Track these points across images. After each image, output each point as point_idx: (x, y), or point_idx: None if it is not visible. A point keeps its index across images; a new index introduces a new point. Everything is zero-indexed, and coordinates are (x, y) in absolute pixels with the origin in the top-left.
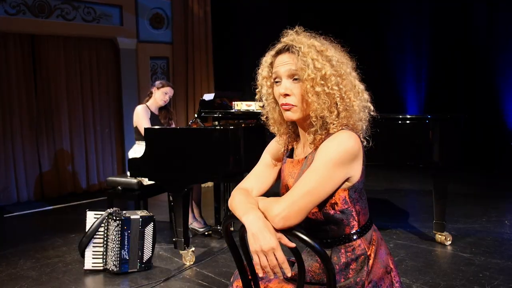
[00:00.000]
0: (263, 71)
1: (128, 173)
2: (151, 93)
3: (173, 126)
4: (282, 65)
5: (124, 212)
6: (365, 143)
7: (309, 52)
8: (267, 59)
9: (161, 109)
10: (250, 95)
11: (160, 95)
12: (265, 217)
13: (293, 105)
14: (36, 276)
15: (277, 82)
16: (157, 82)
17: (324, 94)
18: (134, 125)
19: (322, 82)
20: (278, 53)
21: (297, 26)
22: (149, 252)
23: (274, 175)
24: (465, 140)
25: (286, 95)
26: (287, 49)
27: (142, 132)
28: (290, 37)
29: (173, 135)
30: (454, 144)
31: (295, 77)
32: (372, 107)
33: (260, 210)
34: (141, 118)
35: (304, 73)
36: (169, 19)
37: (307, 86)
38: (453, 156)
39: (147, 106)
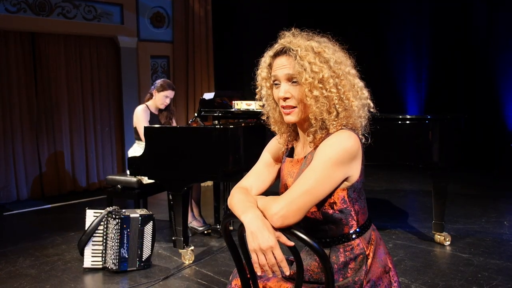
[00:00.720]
0: (262, 72)
1: (128, 172)
2: (152, 95)
3: (174, 124)
4: (280, 69)
5: (123, 210)
6: (363, 140)
7: (306, 55)
8: (265, 59)
9: (162, 109)
10: (250, 95)
11: (160, 99)
12: (264, 215)
13: (293, 107)
14: (36, 274)
15: (276, 84)
16: (158, 84)
17: (323, 97)
18: (134, 126)
19: (320, 85)
20: (276, 55)
21: (293, 28)
22: (149, 251)
23: (274, 174)
24: (465, 140)
25: (286, 98)
26: (284, 51)
27: (141, 134)
28: (287, 39)
29: (173, 134)
30: (454, 144)
31: (294, 80)
32: (371, 104)
33: (259, 209)
34: (140, 119)
35: (302, 77)
36: (169, 18)
37: (305, 90)
38: (453, 157)
39: (147, 107)
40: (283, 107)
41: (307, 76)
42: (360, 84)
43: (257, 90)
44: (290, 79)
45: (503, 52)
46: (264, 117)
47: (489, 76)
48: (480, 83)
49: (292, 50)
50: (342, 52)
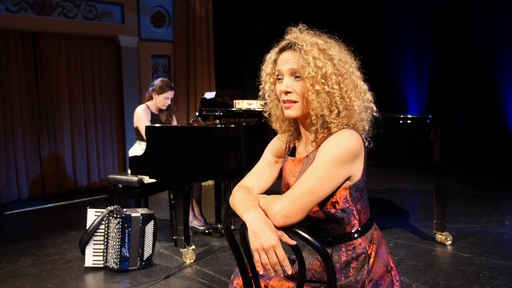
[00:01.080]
0: (267, 67)
1: (129, 171)
2: (151, 96)
3: (174, 122)
4: (285, 63)
5: (124, 209)
6: (366, 143)
7: (311, 50)
8: (271, 55)
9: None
10: (252, 94)
11: (161, 101)
12: (266, 215)
13: (294, 102)
14: (37, 273)
15: (279, 79)
16: (157, 86)
17: (324, 92)
18: (135, 125)
19: (323, 80)
20: (282, 50)
21: (300, 24)
22: (150, 250)
23: (276, 173)
24: (466, 140)
25: (287, 92)
26: (290, 46)
27: (142, 133)
28: (294, 34)
29: (174, 133)
30: (455, 144)
31: (297, 75)
32: (375, 108)
33: (261, 208)
34: (141, 119)
35: (305, 71)
36: (170, 17)
37: (307, 84)
38: (454, 156)
39: (148, 107)
40: (284, 101)
41: (310, 70)
42: (364, 87)
43: (260, 86)
44: (293, 74)
45: (503, 52)
46: (266, 114)
47: (489, 76)
48: (480, 83)
49: (298, 44)
50: (348, 53)
